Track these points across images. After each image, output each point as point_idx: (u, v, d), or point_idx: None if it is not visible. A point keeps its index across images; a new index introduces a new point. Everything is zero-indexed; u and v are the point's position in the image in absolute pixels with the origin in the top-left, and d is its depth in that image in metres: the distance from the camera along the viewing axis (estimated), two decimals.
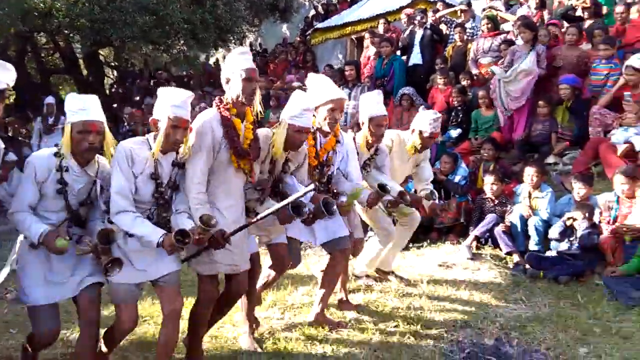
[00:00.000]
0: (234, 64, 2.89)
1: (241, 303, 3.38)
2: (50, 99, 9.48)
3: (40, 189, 2.69)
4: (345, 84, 8.11)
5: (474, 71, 7.80)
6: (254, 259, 3.27)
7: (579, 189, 4.89)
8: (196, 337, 3.13)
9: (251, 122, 3.00)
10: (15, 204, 2.71)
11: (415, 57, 8.60)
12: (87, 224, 2.86)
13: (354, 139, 3.88)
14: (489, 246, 5.26)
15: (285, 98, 9.77)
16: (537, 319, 3.74)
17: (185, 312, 3.07)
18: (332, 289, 3.83)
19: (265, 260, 3.56)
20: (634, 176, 4.58)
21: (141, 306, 3.72)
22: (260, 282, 3.56)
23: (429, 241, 5.55)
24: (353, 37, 12.52)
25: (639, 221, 4.34)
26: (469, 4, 9.02)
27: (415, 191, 4.43)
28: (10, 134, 9.62)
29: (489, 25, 7.77)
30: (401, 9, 10.57)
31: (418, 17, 8.80)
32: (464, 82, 7.66)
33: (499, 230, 5.08)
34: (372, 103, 3.85)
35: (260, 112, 3.06)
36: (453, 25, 8.74)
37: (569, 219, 4.68)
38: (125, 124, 10.81)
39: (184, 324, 3.10)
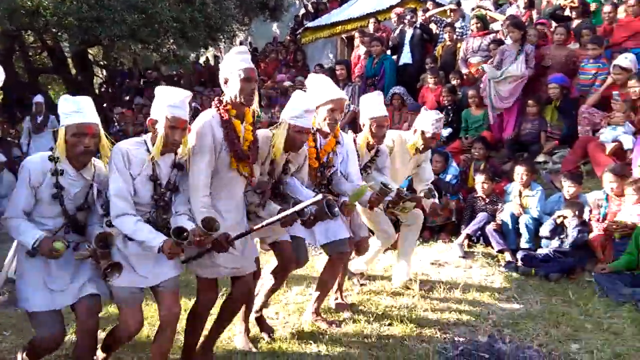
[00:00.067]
0: (232, 64, 2.81)
1: None
2: (39, 98, 9.38)
3: (36, 194, 2.62)
4: (336, 83, 8.07)
5: (464, 70, 7.84)
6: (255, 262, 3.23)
7: (568, 187, 4.95)
8: (193, 338, 3.10)
9: (250, 124, 2.95)
10: (9, 209, 2.63)
11: (406, 57, 8.63)
12: (85, 230, 2.79)
13: (354, 139, 3.84)
14: (481, 244, 5.32)
15: (276, 97, 9.83)
16: (529, 316, 3.79)
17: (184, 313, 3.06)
18: (328, 290, 3.84)
19: (266, 266, 3.55)
20: (623, 174, 4.66)
21: None
22: (258, 287, 3.53)
23: (421, 240, 5.53)
24: (343, 36, 12.53)
25: (628, 218, 4.40)
26: (458, 4, 9.04)
27: (415, 191, 4.40)
28: None
29: (479, 25, 7.81)
30: (391, 8, 10.60)
31: (408, 17, 8.85)
32: (454, 82, 7.70)
33: (490, 228, 5.13)
34: (372, 104, 3.81)
35: (258, 112, 3.03)
36: (443, 25, 8.78)
37: (559, 217, 4.73)
38: (116, 124, 10.74)
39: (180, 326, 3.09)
